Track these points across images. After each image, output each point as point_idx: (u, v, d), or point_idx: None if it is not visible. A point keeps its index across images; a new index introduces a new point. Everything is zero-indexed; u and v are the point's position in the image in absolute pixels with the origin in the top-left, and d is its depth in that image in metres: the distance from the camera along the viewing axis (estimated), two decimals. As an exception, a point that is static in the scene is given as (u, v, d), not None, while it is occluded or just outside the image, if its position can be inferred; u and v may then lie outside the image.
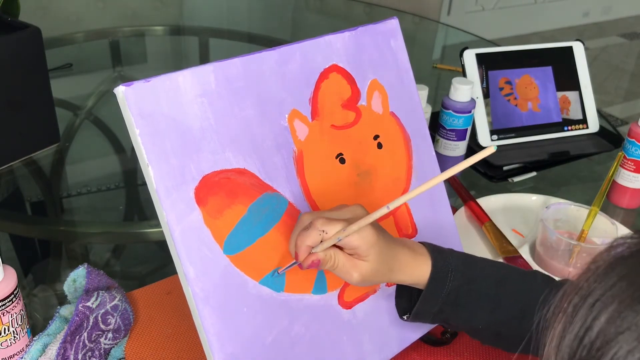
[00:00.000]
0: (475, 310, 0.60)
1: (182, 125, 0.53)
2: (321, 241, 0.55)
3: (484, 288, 0.60)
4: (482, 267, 0.62)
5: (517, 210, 0.97)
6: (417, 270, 0.59)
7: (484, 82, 1.14)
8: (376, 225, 0.58)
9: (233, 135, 0.57)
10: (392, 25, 0.71)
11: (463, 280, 0.60)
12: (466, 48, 1.15)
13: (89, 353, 0.67)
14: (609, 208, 1.03)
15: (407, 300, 0.64)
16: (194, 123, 0.54)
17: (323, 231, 0.54)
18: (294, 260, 0.57)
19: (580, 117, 1.22)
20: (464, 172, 1.11)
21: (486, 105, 1.13)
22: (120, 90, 0.51)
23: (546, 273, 0.64)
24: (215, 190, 0.55)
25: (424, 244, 0.62)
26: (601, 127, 1.23)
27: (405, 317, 0.64)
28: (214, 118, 0.55)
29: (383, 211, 0.54)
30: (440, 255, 0.60)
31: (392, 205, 0.54)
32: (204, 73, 0.55)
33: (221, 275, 0.55)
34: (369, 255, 0.56)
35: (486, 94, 1.14)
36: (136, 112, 0.51)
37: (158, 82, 0.52)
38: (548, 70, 1.17)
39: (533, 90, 1.16)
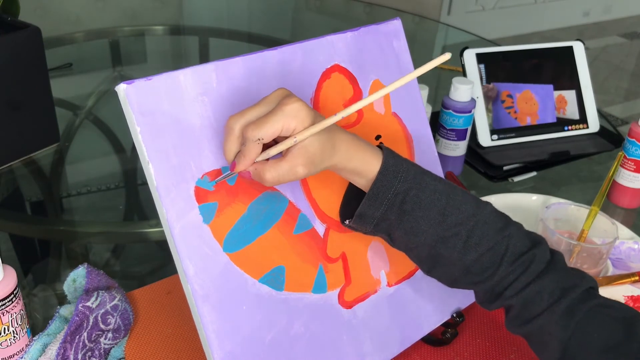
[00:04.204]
0: (420, 220, 0.57)
1: (183, 124, 0.53)
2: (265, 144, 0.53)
3: (434, 197, 0.58)
4: (436, 178, 0.60)
5: (517, 210, 0.97)
6: (364, 156, 0.57)
7: (483, 81, 1.15)
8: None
9: (233, 134, 0.56)
10: (395, 26, 0.71)
11: (413, 184, 0.57)
12: (466, 48, 1.15)
13: (89, 353, 0.67)
14: (609, 208, 1.03)
15: (354, 209, 0.61)
16: (194, 121, 0.54)
17: (259, 139, 0.52)
18: (231, 172, 0.54)
19: (577, 117, 1.22)
20: (464, 172, 1.11)
21: (488, 112, 1.15)
22: (121, 88, 0.51)
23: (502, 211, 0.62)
24: (216, 188, 0.55)
25: (380, 145, 0.60)
26: (601, 126, 1.23)
27: (347, 222, 0.62)
28: (214, 117, 0.55)
29: (336, 118, 0.53)
30: (392, 155, 0.58)
31: (346, 113, 0.52)
32: (205, 72, 0.55)
33: (221, 273, 0.55)
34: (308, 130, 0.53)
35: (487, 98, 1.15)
36: (137, 110, 0.51)
37: (159, 80, 0.52)
38: (549, 88, 1.19)
39: (533, 106, 1.18)
